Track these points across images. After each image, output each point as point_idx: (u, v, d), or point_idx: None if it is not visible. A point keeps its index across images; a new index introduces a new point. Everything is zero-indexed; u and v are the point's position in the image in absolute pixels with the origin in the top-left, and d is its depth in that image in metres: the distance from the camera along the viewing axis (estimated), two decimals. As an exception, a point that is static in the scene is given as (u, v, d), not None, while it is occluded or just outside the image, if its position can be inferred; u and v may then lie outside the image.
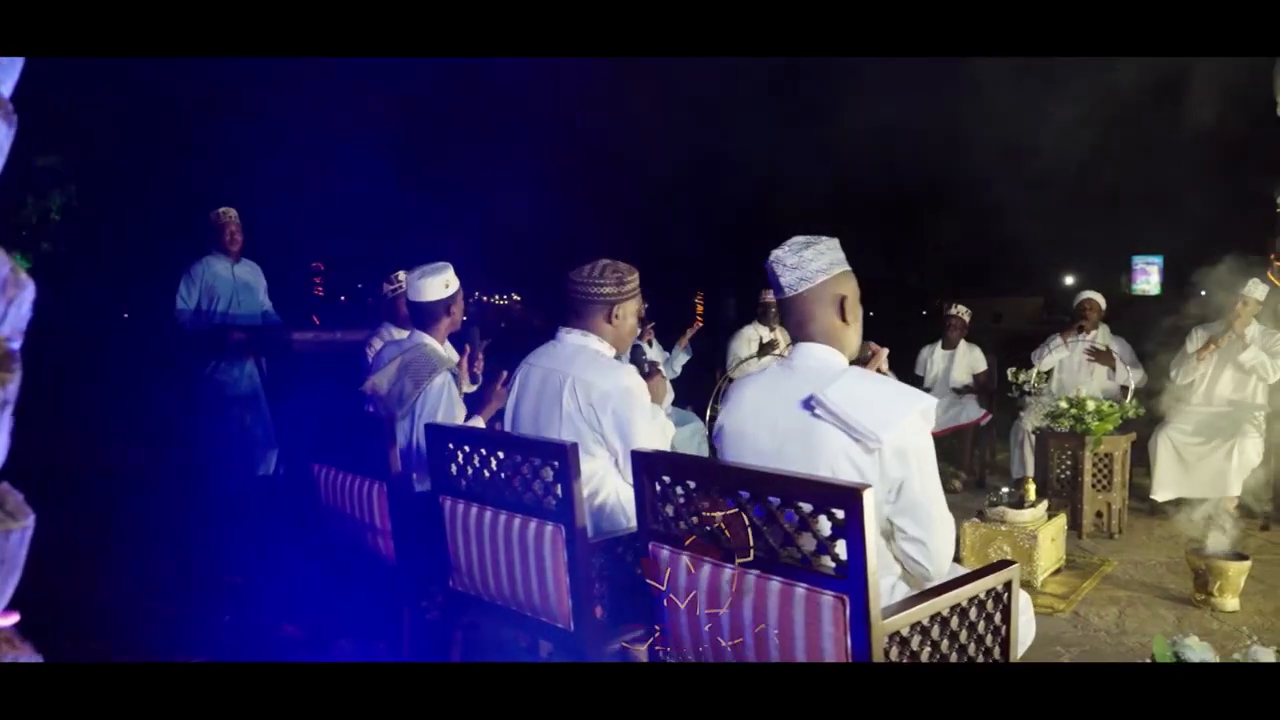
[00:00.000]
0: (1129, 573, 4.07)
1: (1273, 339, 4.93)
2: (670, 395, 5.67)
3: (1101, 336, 5.61)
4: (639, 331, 5.36)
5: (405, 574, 2.69)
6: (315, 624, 3.16)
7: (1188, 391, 5.11)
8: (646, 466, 1.89)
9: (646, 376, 2.69)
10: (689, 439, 4.75)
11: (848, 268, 1.99)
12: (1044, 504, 3.99)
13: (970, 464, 6.00)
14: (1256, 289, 4.92)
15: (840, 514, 1.55)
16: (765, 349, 5.66)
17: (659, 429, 2.51)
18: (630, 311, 2.57)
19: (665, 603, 1.88)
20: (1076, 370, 5.58)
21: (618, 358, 2.57)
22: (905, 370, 6.35)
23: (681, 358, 5.72)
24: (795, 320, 1.96)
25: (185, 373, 5.25)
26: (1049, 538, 3.87)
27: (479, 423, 2.96)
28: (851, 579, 1.55)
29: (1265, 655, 1.59)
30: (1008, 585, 1.88)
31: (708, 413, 3.92)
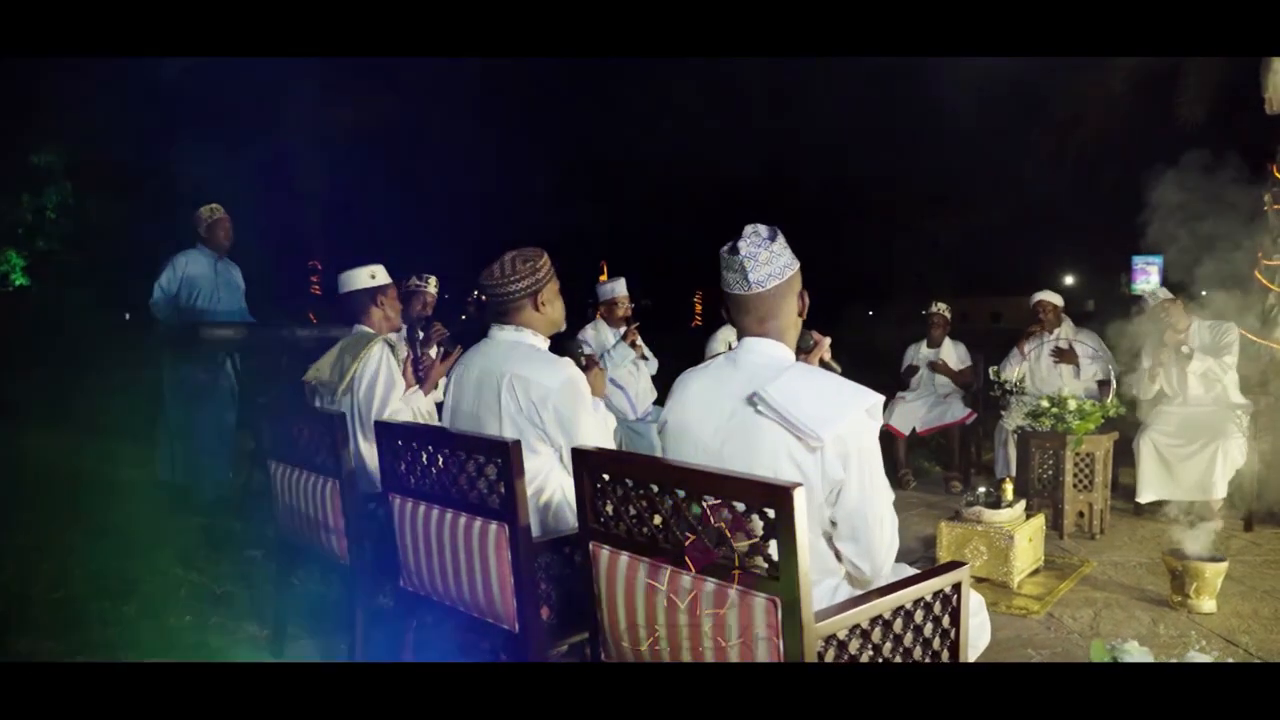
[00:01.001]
0: (1108, 574, 4.01)
1: (1219, 331, 4.89)
2: (652, 395, 5.61)
3: (1066, 332, 5.56)
4: (626, 325, 5.31)
5: (359, 573, 2.65)
6: (275, 623, 3.11)
7: (1162, 394, 5.06)
8: (586, 464, 1.84)
9: (584, 369, 2.63)
10: None
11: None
12: (1021, 504, 3.94)
13: (959, 464, 5.95)
14: (1159, 292, 4.94)
15: (772, 513, 1.50)
16: None
17: (601, 422, 2.45)
18: (554, 293, 2.51)
19: (604, 603, 1.83)
20: (1046, 374, 5.53)
21: (557, 349, 2.51)
22: (894, 368, 6.29)
23: (653, 366, 5.61)
24: (757, 316, 1.90)
25: (161, 369, 5.20)
26: (1026, 538, 3.82)
27: (421, 399, 2.96)
28: (783, 580, 1.50)
29: (1200, 658, 1.54)
30: (957, 587, 1.83)
31: None
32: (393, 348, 3.04)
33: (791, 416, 1.72)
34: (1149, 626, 3.37)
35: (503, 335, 2.48)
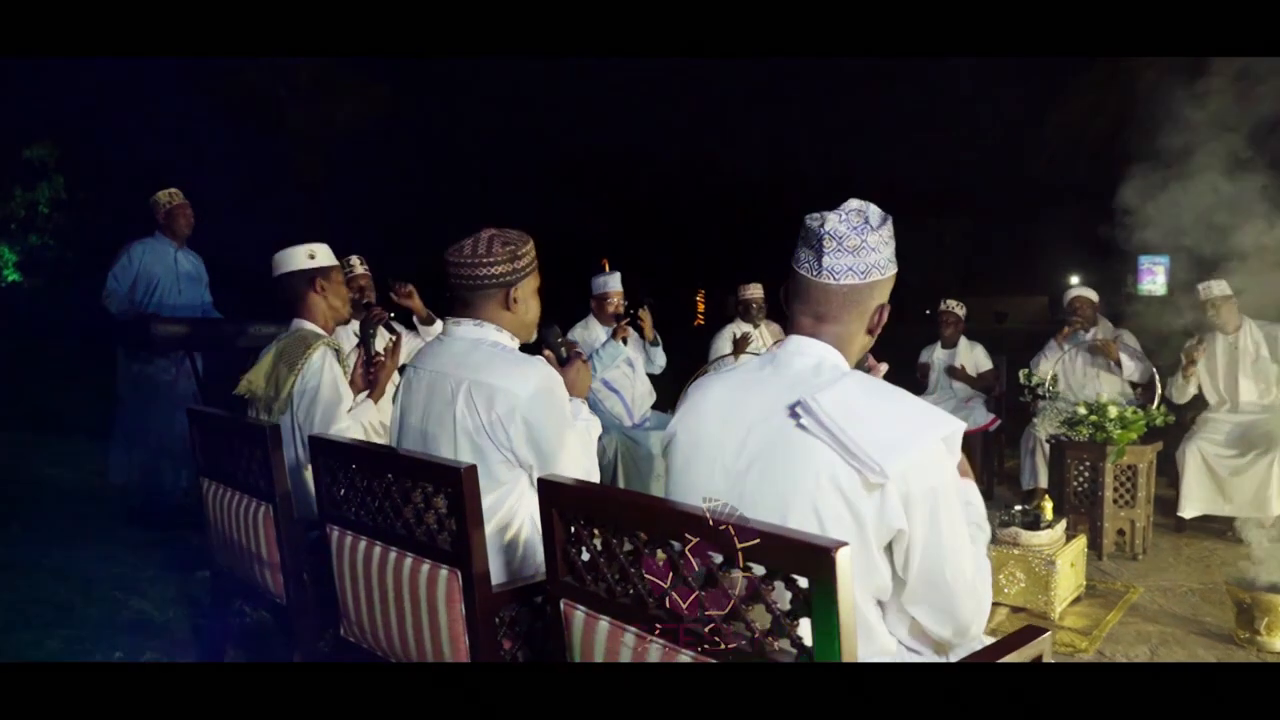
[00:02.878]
0: (1158, 602, 3.59)
1: (1275, 331, 4.48)
2: (652, 398, 5.20)
3: (1102, 332, 5.16)
4: (616, 322, 4.89)
5: (297, 616, 2.23)
6: (213, 661, 2.70)
7: (1210, 401, 4.64)
8: (556, 502, 1.42)
9: (565, 362, 2.17)
10: None
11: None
12: (1062, 524, 3.52)
13: (980, 474, 5.52)
14: (1214, 286, 4.47)
15: (804, 582, 1.08)
16: (740, 345, 5.17)
17: (584, 434, 2.02)
18: (530, 292, 2.04)
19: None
20: (1080, 373, 5.12)
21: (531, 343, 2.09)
22: (906, 373, 5.85)
23: (660, 357, 5.20)
24: (815, 312, 1.44)
25: (115, 366, 4.79)
26: (1068, 563, 3.40)
27: (371, 410, 2.54)
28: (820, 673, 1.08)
29: None
30: (1037, 661, 1.41)
31: None
32: (337, 351, 2.60)
33: (846, 438, 1.29)
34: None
35: (461, 331, 2.01)
